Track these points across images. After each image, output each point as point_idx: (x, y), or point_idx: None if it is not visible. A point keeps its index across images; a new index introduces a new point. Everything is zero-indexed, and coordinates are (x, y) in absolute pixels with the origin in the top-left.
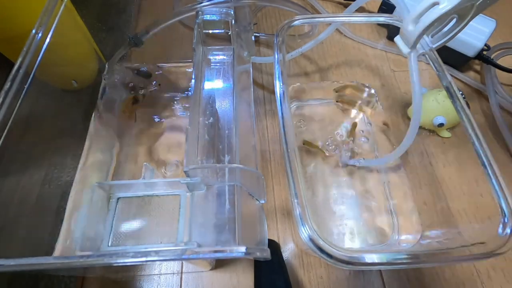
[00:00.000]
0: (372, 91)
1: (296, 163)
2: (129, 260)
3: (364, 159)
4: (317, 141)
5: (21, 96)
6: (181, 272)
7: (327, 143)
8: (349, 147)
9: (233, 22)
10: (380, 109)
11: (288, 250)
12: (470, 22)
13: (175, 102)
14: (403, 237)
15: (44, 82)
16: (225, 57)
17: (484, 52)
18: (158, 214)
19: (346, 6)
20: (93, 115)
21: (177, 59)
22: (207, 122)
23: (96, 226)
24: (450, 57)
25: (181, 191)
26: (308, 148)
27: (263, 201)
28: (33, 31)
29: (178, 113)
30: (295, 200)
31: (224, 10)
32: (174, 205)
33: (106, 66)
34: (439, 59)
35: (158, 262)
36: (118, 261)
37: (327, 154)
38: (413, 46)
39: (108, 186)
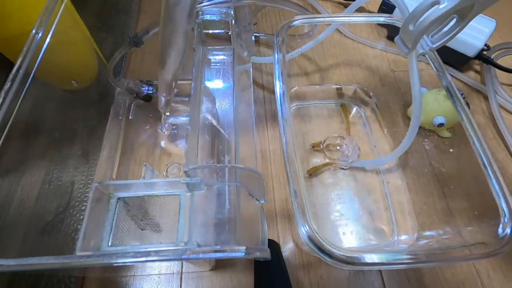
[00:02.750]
0: (371, 93)
1: (296, 163)
2: (129, 260)
3: (364, 159)
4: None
5: (21, 96)
6: (181, 272)
7: (327, 143)
8: (349, 147)
9: (233, 22)
10: (379, 110)
11: (288, 250)
12: (470, 22)
13: (177, 104)
14: (402, 237)
15: (44, 82)
16: (225, 57)
17: (484, 52)
18: (158, 214)
19: (346, 6)
20: (108, 121)
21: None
22: (207, 122)
23: (96, 226)
24: (450, 57)
25: (181, 191)
26: (316, 149)
27: (263, 201)
28: (33, 31)
29: (179, 114)
30: (295, 200)
31: (224, 10)
32: (174, 205)
33: (123, 79)
34: (439, 59)
35: (158, 262)
36: (118, 261)
37: (327, 155)
38: (413, 46)
39: (108, 186)
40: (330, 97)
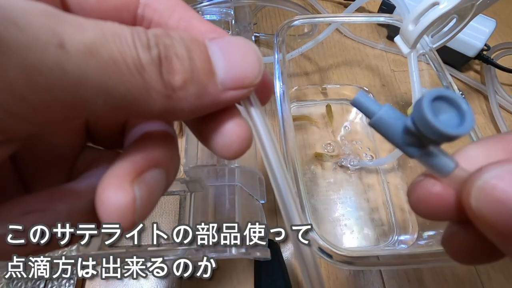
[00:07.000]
0: (371, 93)
1: (296, 163)
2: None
3: (364, 159)
4: (315, 145)
5: None
6: None
7: (326, 144)
8: (349, 147)
9: (233, 22)
10: None
11: (288, 250)
12: (470, 22)
13: None
14: (402, 237)
15: None
16: None
17: (484, 52)
18: (158, 214)
19: (346, 6)
20: None
21: None
22: None
23: None
24: (450, 57)
25: (181, 191)
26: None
27: (263, 201)
28: None
29: None
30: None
31: (224, 10)
32: (174, 205)
33: None
34: (439, 59)
35: None
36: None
37: (327, 155)
38: (413, 46)
39: None
40: (330, 97)
